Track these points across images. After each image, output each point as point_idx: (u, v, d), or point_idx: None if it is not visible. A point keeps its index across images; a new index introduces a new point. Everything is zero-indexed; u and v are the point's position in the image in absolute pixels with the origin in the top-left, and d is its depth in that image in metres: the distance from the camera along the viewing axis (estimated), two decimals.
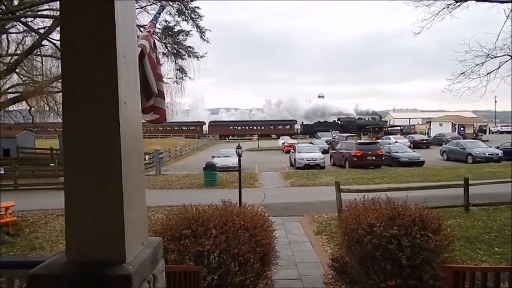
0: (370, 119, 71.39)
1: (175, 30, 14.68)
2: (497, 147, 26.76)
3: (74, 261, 1.49)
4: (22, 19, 12.06)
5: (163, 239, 4.36)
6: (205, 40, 14.80)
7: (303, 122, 74.63)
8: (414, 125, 63.65)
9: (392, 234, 4.41)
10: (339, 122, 69.30)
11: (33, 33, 13.86)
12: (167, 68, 15.95)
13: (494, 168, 20.51)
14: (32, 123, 24.13)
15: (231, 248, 4.39)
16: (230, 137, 69.63)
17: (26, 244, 8.89)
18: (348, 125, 65.19)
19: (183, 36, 14.77)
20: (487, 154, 25.08)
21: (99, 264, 1.45)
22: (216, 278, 4.24)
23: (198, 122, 78.25)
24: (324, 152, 29.93)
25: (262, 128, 72.22)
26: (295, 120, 78.13)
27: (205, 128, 75.70)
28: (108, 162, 1.48)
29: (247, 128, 74.58)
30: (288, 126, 73.03)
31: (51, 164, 22.50)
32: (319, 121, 73.18)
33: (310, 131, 65.43)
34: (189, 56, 15.14)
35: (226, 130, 72.43)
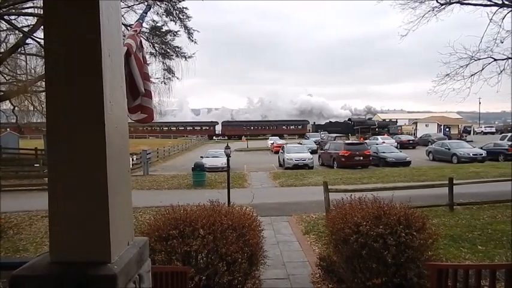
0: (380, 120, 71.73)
1: (163, 30, 14.62)
2: (481, 148, 27.39)
3: (58, 261, 1.47)
4: (5, 17, 11.82)
5: (150, 240, 4.35)
6: (192, 41, 14.80)
7: (314, 122, 74.18)
8: (401, 126, 64.46)
9: (378, 233, 4.48)
10: (350, 122, 68.96)
11: (17, 32, 13.59)
12: (155, 68, 15.87)
13: (478, 168, 20.97)
14: (15, 123, 23.61)
15: (219, 248, 4.39)
16: (220, 137, 69.45)
17: (10, 246, 8.70)
18: (360, 125, 64.89)
19: (170, 36, 14.72)
20: (471, 154, 25.63)
21: (84, 265, 1.44)
22: (203, 278, 4.24)
23: (211, 122, 78.14)
24: (313, 152, 30.15)
25: (275, 128, 71.82)
26: (307, 120, 78.07)
27: (218, 127, 75.41)
28: (93, 161, 1.47)
29: (260, 128, 74.07)
30: (300, 126, 72.83)
31: (35, 165, 22.07)
32: (330, 121, 72.68)
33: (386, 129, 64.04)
34: (177, 56, 15.11)
35: (239, 130, 71.53)
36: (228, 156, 12.42)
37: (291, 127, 73.31)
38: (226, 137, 65.84)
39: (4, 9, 11.67)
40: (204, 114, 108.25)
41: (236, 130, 71.73)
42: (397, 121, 69.79)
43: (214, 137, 68.44)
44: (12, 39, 15.14)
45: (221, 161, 22.90)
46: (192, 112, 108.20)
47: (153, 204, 11.73)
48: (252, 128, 74.01)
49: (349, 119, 72.37)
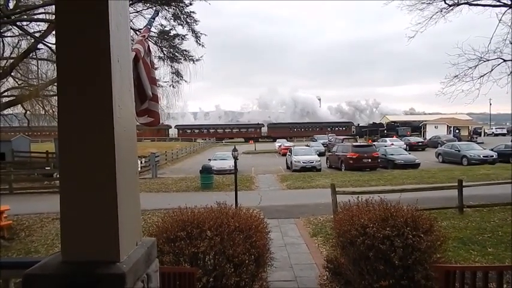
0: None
1: (171, 34, 14.76)
2: (492, 149, 26.99)
3: (69, 261, 1.52)
4: (17, 23, 12.07)
5: (158, 241, 4.41)
6: (200, 44, 14.90)
7: (359, 124, 73.81)
8: (410, 128, 63.94)
9: (385, 235, 4.47)
10: (394, 124, 68.37)
11: (28, 37, 13.86)
12: (163, 71, 16.03)
13: (488, 170, 20.67)
14: (27, 127, 24.01)
15: (226, 249, 4.42)
16: (227, 140, 69.53)
17: (21, 248, 8.86)
18: (403, 127, 64.24)
19: (178, 40, 14.86)
20: (481, 156, 25.28)
21: (94, 264, 1.48)
22: (211, 279, 4.27)
23: (257, 124, 78.14)
24: (320, 154, 30.05)
25: (320, 129, 70.99)
26: (351, 122, 77.45)
27: (264, 129, 75.67)
28: (103, 164, 1.52)
29: (304, 129, 73.28)
30: (344, 128, 72.28)
31: (46, 168, 22.43)
32: (374, 123, 72.10)
33: (364, 133, 64.06)
34: (185, 59, 15.23)
35: (285, 132, 70.91)
36: (235, 158, 12.48)
37: (336, 129, 71.87)
38: (272, 139, 65.41)
39: (16, 16, 11.92)
40: (201, 116, 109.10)
41: (282, 132, 70.83)
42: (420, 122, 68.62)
43: (259, 139, 67.40)
44: (24, 45, 15.46)
45: (229, 164, 22.97)
46: (192, 115, 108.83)
47: (161, 206, 11.81)
48: (295, 129, 73.65)
49: (393, 121, 71.61)
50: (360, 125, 73.30)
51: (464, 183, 10.54)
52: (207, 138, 67.43)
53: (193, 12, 14.29)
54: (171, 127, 75.59)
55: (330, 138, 44.22)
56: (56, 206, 1.50)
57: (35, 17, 13.34)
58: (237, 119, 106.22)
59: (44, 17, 13.29)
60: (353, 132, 67.42)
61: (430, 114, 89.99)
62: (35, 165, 25.37)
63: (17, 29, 13.35)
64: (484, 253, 7.07)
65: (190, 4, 14.08)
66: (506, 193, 11.33)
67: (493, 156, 25.37)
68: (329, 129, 71.59)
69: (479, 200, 11.03)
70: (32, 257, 7.68)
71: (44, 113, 19.10)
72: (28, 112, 20.64)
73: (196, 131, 74.44)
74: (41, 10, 13.21)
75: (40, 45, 13.81)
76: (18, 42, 15.89)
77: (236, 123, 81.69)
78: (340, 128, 72.05)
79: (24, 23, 13.22)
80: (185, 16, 14.25)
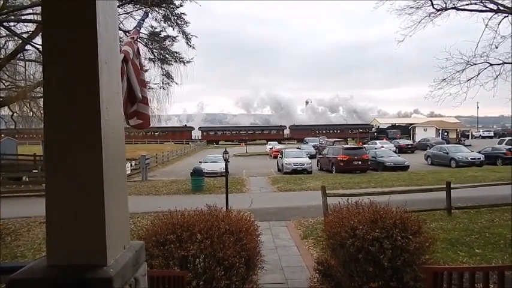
0: None
1: (162, 35, 14.69)
2: (479, 152, 27.48)
3: (55, 265, 1.49)
4: (4, 23, 11.89)
5: (148, 245, 4.37)
6: (191, 46, 14.86)
7: (378, 126, 73.61)
8: (399, 130, 64.62)
9: (374, 237, 4.51)
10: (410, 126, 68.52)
11: (16, 38, 13.65)
12: (153, 73, 15.92)
13: (476, 172, 21.02)
14: (14, 129, 23.61)
15: (216, 252, 4.40)
16: (220, 142, 69.51)
17: (7, 253, 8.68)
18: (393, 129, 64.06)
19: (169, 41, 14.80)
20: (469, 158, 25.71)
21: (80, 268, 1.46)
22: (201, 282, 4.25)
23: (280, 126, 78.35)
24: (311, 157, 30.19)
25: (341, 131, 70.95)
26: (371, 124, 77.20)
27: (286, 131, 75.74)
28: (90, 166, 1.50)
29: (325, 131, 72.37)
30: (365, 130, 71.72)
31: (34, 171, 22.05)
32: (393, 124, 71.81)
33: (385, 134, 63.06)
34: (175, 61, 15.17)
35: (307, 133, 70.37)
36: (226, 161, 12.45)
37: (355, 131, 71.89)
38: (295, 141, 65.59)
39: (3, 16, 11.73)
40: (184, 119, 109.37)
41: (304, 134, 70.60)
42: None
43: (281, 141, 66.45)
44: (11, 46, 15.21)
45: (220, 166, 22.91)
46: (176, 117, 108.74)
47: (151, 209, 11.72)
48: (317, 131, 73.08)
49: (411, 124, 72.02)
50: (380, 127, 72.94)
51: (452, 185, 10.69)
52: (233, 140, 67.35)
53: (183, 13, 14.26)
54: (193, 129, 76.20)
55: (321, 140, 44.46)
56: (44, 209, 1.48)
57: (23, 17, 13.15)
58: (222, 120, 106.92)
59: (32, 18, 13.11)
60: (374, 134, 67.14)
61: (419, 117, 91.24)
62: (22, 168, 24.93)
63: (4, 29, 13.13)
64: (471, 254, 7.17)
65: (181, 5, 14.04)
66: (493, 195, 11.54)
67: (480, 158, 25.82)
68: (350, 131, 71.56)
69: (467, 202, 11.20)
70: (18, 261, 7.54)
71: (31, 115, 18.82)
72: (15, 114, 20.31)
73: (220, 132, 74.98)
74: (29, 11, 13.02)
75: (28, 47, 13.61)
76: (5, 43, 15.62)
77: (259, 125, 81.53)
78: (361, 130, 71.71)
79: (12, 24, 13.02)
80: (176, 18, 14.20)
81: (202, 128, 78.53)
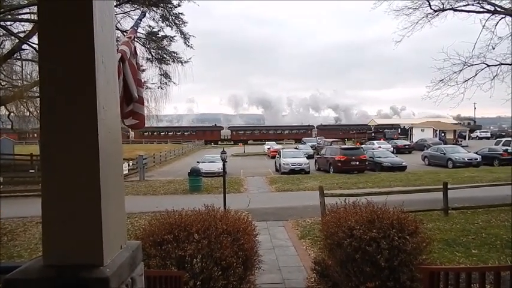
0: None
1: (159, 35, 14.67)
2: (476, 153, 27.58)
3: (51, 265, 1.49)
4: (1, 23, 11.84)
5: (145, 245, 4.36)
6: (189, 46, 14.86)
7: (404, 127, 73.45)
8: (397, 130, 64.58)
9: (371, 237, 4.51)
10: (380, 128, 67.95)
11: (12, 37, 13.60)
12: (151, 73, 15.92)
13: (473, 172, 21.10)
14: (11, 129, 23.51)
15: (214, 252, 4.39)
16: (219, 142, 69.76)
17: (4, 253, 8.64)
18: (390, 130, 63.69)
19: (167, 41, 14.79)
20: (466, 159, 25.80)
21: (77, 268, 1.46)
22: (198, 282, 4.24)
23: (308, 125, 78.80)
24: (309, 157, 30.21)
25: (364, 131, 69.70)
26: (398, 124, 75.42)
27: (315, 131, 75.95)
28: (86, 166, 1.50)
29: (352, 131, 72.33)
30: (394, 129, 69.86)
31: (31, 171, 21.95)
32: (392, 124, 71.56)
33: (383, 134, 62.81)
34: (173, 61, 15.16)
35: (335, 133, 70.47)
36: (224, 161, 12.45)
37: (383, 130, 69.76)
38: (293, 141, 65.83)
39: (0, 15, 11.69)
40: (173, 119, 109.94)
41: (332, 133, 70.20)
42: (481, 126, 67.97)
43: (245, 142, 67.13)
44: (8, 45, 15.15)
45: (217, 166, 22.88)
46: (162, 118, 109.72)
47: (148, 209, 11.70)
48: (344, 131, 73.99)
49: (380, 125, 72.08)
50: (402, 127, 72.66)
51: (449, 186, 10.73)
52: (261, 139, 67.54)
53: (181, 13, 14.27)
54: (223, 128, 77.35)
55: (319, 140, 44.50)
56: (40, 209, 1.47)
57: (20, 17, 13.10)
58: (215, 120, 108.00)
59: (29, 17, 13.06)
60: (372, 134, 66.77)
61: (416, 117, 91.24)
62: (19, 167, 24.82)
63: (0, 29, 13.08)
64: (468, 254, 7.20)
65: (179, 5, 14.04)
66: (490, 195, 11.60)
67: (477, 159, 25.92)
68: (380, 130, 70.70)
69: (463, 203, 11.24)
70: (14, 261, 7.50)
71: (28, 114, 18.74)
72: (12, 114, 20.23)
73: (249, 132, 75.69)
74: (26, 10, 12.99)
75: (25, 46, 13.57)
76: (2, 42, 15.56)
77: (287, 125, 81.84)
78: (388, 130, 69.24)
79: (8, 23, 12.97)
80: (173, 17, 14.20)
81: (232, 127, 79.63)
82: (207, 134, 72.63)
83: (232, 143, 67.63)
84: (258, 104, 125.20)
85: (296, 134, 72.89)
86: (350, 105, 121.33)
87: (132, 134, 73.51)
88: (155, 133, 71.66)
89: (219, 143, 69.27)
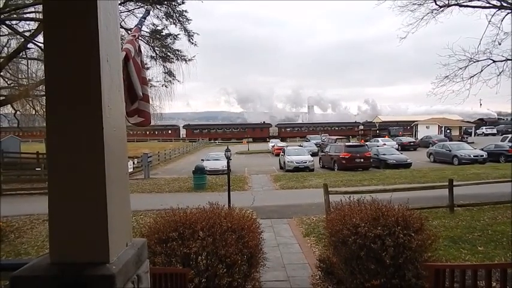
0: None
1: (163, 33, 14.69)
2: (482, 149, 27.35)
3: (58, 262, 1.50)
4: (7, 22, 11.91)
5: (150, 242, 4.38)
6: (193, 43, 14.86)
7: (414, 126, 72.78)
8: (402, 127, 64.15)
9: (376, 234, 4.50)
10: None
11: (18, 36, 13.68)
12: (155, 71, 15.99)
13: (478, 169, 20.94)
14: (17, 127, 23.70)
15: (218, 250, 4.41)
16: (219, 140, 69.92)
17: (11, 250, 8.74)
18: (395, 127, 63.33)
19: (171, 39, 14.80)
20: (472, 156, 25.61)
21: (83, 265, 1.47)
22: (203, 280, 4.26)
23: (355, 122, 79.62)
24: (313, 154, 30.15)
25: (385, 129, 68.11)
26: (417, 121, 76.32)
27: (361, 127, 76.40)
28: (92, 164, 1.50)
29: (374, 129, 71.76)
30: (408, 127, 69.78)
31: (37, 169, 22.17)
32: (397, 122, 71.23)
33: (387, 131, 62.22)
34: (177, 59, 15.18)
35: (366, 132, 70.78)
36: (228, 159, 12.45)
37: (407, 127, 68.94)
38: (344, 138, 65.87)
39: (6, 14, 11.76)
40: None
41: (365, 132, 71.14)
42: None
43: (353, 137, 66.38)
44: (13, 44, 15.26)
45: (222, 164, 22.94)
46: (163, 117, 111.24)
47: (153, 207, 11.75)
48: (366, 130, 73.91)
49: (482, 119, 71.54)
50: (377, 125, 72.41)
51: (454, 183, 10.65)
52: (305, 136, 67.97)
53: (185, 11, 14.25)
54: (271, 125, 78.92)
55: (323, 138, 44.38)
56: (47, 207, 1.48)
57: (25, 16, 13.17)
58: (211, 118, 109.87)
59: (34, 16, 13.13)
60: (376, 132, 65.76)
61: (421, 114, 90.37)
62: (25, 166, 25.05)
63: (6, 28, 13.17)
64: (474, 251, 7.16)
65: (183, 3, 14.04)
66: (496, 192, 11.51)
67: (483, 155, 25.71)
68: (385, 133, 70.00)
69: (469, 199, 11.17)
70: (21, 258, 7.58)
71: (34, 113, 18.88)
72: (18, 112, 20.39)
73: (297, 129, 77.28)
74: (31, 9, 13.06)
75: (30, 45, 13.66)
76: (7, 41, 15.69)
77: (313, 122, 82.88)
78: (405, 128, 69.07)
79: (14, 22, 13.06)
80: (177, 15, 14.20)
81: (280, 124, 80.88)
82: (256, 131, 74.22)
83: (279, 139, 67.45)
84: (250, 102, 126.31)
85: (344, 130, 72.06)
86: (336, 99, 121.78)
87: (183, 132, 75.70)
88: (205, 130, 73.83)
89: (267, 140, 69.17)
